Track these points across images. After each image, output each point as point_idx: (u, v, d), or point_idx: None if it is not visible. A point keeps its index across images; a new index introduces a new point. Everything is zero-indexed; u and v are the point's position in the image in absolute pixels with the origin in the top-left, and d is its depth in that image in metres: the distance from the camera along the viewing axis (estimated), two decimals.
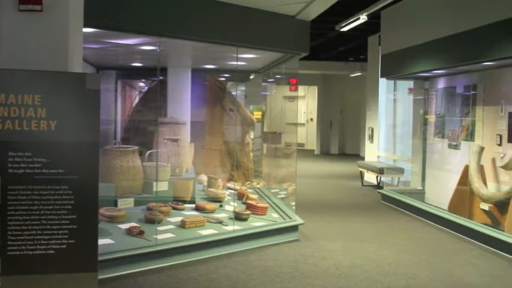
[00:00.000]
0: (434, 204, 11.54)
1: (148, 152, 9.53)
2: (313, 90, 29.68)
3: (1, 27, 5.15)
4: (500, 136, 9.96)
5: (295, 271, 7.26)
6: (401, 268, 7.54)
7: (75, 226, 5.02)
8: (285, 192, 12.40)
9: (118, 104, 13.42)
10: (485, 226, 9.29)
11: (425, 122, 13.01)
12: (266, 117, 15.85)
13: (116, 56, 10.68)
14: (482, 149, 10.36)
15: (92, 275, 5.10)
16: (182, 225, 8.30)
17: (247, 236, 8.39)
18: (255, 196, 10.80)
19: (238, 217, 8.95)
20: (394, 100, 15.94)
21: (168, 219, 8.59)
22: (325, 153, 28.03)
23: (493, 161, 10.19)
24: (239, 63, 10.61)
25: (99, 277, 5.54)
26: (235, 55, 9.37)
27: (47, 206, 4.96)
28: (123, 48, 9.43)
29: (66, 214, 5.00)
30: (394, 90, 15.70)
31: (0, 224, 4.88)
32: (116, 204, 8.62)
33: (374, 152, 18.01)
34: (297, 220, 9.29)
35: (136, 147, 9.35)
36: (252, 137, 14.19)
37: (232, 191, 10.60)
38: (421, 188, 13.16)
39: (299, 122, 28.80)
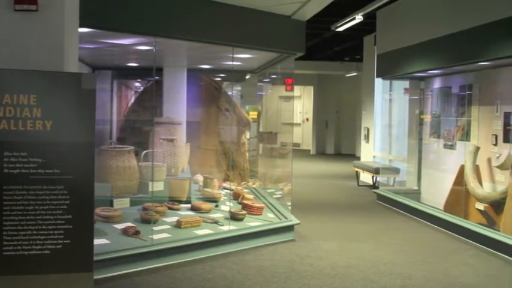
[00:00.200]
0: (430, 204, 11.56)
1: (144, 152, 9.52)
2: (309, 90, 29.70)
3: None
4: (496, 136, 9.97)
5: (291, 271, 7.27)
6: (397, 268, 7.54)
7: (70, 226, 5.02)
8: (280, 192, 12.40)
9: (114, 104, 13.41)
10: (480, 226, 9.30)
11: (421, 122, 13.03)
12: (262, 117, 15.85)
13: (111, 56, 10.67)
14: (477, 149, 10.37)
15: (87, 275, 5.10)
16: (178, 225, 8.30)
17: (243, 236, 8.38)
18: (250, 196, 10.80)
19: (234, 217, 8.94)
20: (390, 100, 15.95)
21: (164, 219, 8.59)
22: (320, 153, 28.05)
23: (489, 161, 10.21)
24: (235, 63, 10.63)
25: (95, 277, 5.54)
26: (231, 55, 9.37)
27: (43, 206, 4.96)
28: (119, 48, 9.42)
29: (62, 214, 5.00)
30: (390, 90, 15.72)
31: None
32: (111, 204, 8.61)
33: (370, 152, 18.02)
34: (293, 220, 9.29)
35: (132, 147, 9.34)
36: (247, 137, 14.18)
37: (228, 191, 10.60)
38: (416, 188, 13.18)
39: (295, 122, 28.84)
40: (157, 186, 9.15)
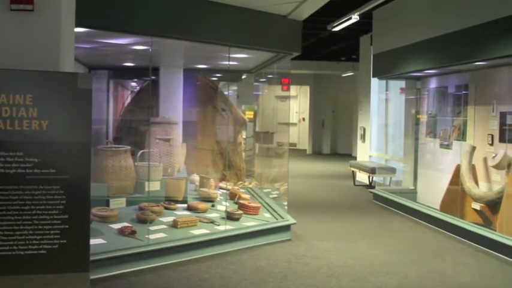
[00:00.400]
0: (426, 204, 11.57)
1: (141, 151, 9.51)
2: (305, 90, 29.71)
3: None
4: (492, 136, 9.99)
5: (288, 271, 7.27)
6: (393, 268, 7.55)
7: (67, 226, 5.01)
8: (277, 192, 12.40)
9: (110, 104, 13.41)
10: (476, 226, 9.32)
11: (417, 122, 13.03)
12: (258, 117, 15.84)
13: (107, 55, 10.66)
14: (473, 148, 10.39)
15: (84, 275, 5.09)
16: (174, 225, 8.29)
17: (239, 235, 8.39)
18: (247, 196, 10.80)
19: (230, 217, 8.95)
20: (386, 100, 15.95)
21: (160, 219, 8.58)
22: (317, 153, 28.06)
23: (485, 160, 10.22)
24: (231, 63, 10.61)
25: (91, 277, 5.53)
26: (227, 55, 9.37)
27: (39, 206, 4.95)
28: (115, 48, 9.41)
29: (58, 214, 4.99)
30: (386, 90, 15.71)
31: None
32: (108, 204, 8.61)
33: (366, 151, 18.03)
34: (289, 220, 9.29)
35: (129, 147, 9.33)
36: (244, 136, 14.17)
37: (225, 191, 10.59)
38: (413, 187, 13.19)
39: (291, 121, 28.85)
40: (154, 186, 9.15)
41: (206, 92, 12.68)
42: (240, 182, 12.58)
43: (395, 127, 15.12)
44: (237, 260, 7.68)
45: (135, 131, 11.60)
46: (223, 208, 9.40)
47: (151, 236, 7.66)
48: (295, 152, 26.67)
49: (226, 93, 13.48)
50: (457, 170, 10.63)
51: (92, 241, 5.80)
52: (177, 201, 9.43)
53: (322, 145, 28.39)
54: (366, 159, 17.47)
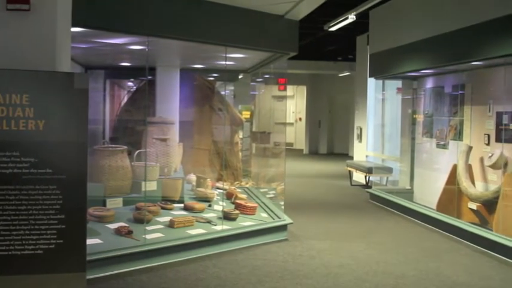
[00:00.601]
0: (422, 204, 11.57)
1: (137, 151, 9.51)
2: (302, 90, 29.73)
3: None
4: (488, 135, 10.00)
5: (284, 270, 7.27)
6: (389, 267, 7.56)
7: (63, 226, 5.01)
8: (273, 192, 12.41)
9: (106, 104, 13.40)
10: (473, 225, 9.32)
11: (413, 122, 13.05)
12: (255, 117, 15.85)
13: (104, 55, 10.65)
14: (470, 148, 10.40)
15: (80, 275, 5.09)
16: (171, 225, 8.29)
17: (236, 235, 8.39)
18: (243, 196, 10.81)
19: (227, 217, 8.95)
20: (383, 100, 15.98)
21: (157, 219, 8.58)
22: (313, 152, 28.07)
23: (481, 160, 10.23)
24: (228, 62, 10.62)
25: (88, 277, 5.53)
26: (224, 55, 9.37)
27: (35, 206, 4.94)
28: (112, 47, 9.41)
29: (55, 214, 4.99)
30: (383, 90, 15.75)
31: None
32: (104, 204, 8.60)
33: (362, 151, 18.04)
34: (286, 220, 9.29)
35: (125, 147, 9.33)
36: (240, 136, 14.19)
37: (221, 191, 10.59)
38: (409, 187, 13.20)
39: (288, 121, 28.84)
40: (150, 186, 9.14)
41: (203, 91, 12.68)
42: (237, 182, 12.58)
43: (392, 127, 15.14)
44: (233, 260, 7.68)
45: (131, 131, 11.60)
46: (220, 208, 9.40)
47: (148, 236, 7.65)
48: (292, 152, 26.70)
49: (223, 93, 13.49)
50: (454, 169, 10.64)
51: (89, 241, 5.80)
52: (173, 201, 9.43)
53: (319, 145, 28.40)
54: (363, 159, 17.49)
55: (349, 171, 16.53)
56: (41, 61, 5.17)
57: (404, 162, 13.50)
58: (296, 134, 30.63)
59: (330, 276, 7.07)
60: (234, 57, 10.33)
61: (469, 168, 10.35)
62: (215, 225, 8.59)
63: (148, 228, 7.97)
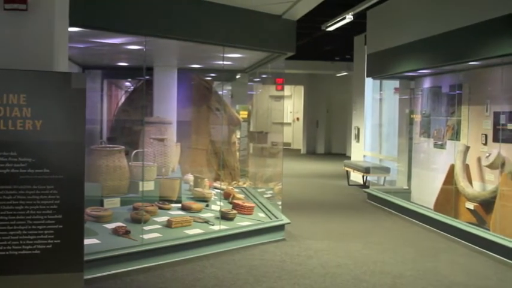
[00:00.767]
0: (420, 204, 11.58)
1: (135, 151, 9.50)
2: (300, 90, 29.73)
3: None
4: (486, 135, 10.01)
5: (282, 270, 7.27)
6: (387, 267, 7.56)
7: (61, 226, 5.00)
8: (271, 192, 12.41)
9: (104, 104, 13.40)
10: (470, 225, 9.33)
11: (411, 122, 13.05)
12: (252, 117, 15.85)
13: (101, 55, 10.65)
14: (467, 148, 10.41)
15: (77, 275, 5.09)
16: (168, 224, 8.28)
17: (233, 235, 8.38)
18: (241, 196, 10.80)
19: (224, 217, 8.94)
20: (380, 100, 15.98)
21: (155, 219, 8.57)
22: (311, 152, 28.08)
23: (479, 160, 10.24)
24: (225, 62, 10.61)
25: (85, 277, 5.52)
26: (222, 55, 9.37)
27: (33, 206, 4.94)
28: (109, 47, 9.41)
29: (52, 214, 4.98)
30: (380, 90, 15.75)
31: None
32: (102, 204, 8.60)
33: (360, 151, 18.05)
34: (283, 219, 9.29)
35: (123, 147, 9.32)
36: (238, 136, 14.19)
37: (219, 191, 10.59)
38: (407, 187, 13.21)
39: (285, 121, 28.86)
40: (148, 186, 9.14)
41: (200, 91, 12.69)
42: (234, 182, 12.58)
43: (390, 127, 15.14)
44: (231, 260, 7.68)
45: (129, 131, 11.60)
46: (217, 208, 9.39)
47: (146, 236, 7.65)
48: (289, 152, 26.68)
49: (220, 93, 13.49)
50: (451, 169, 10.65)
51: (86, 241, 5.79)
52: (171, 201, 9.42)
53: (316, 145, 28.41)
54: (360, 159, 17.49)
55: (347, 171, 16.54)
56: (39, 61, 5.16)
57: (402, 162, 13.51)
58: (294, 134, 30.62)
59: (328, 276, 7.07)
60: (232, 57, 10.33)
61: (466, 168, 10.35)
62: (213, 225, 8.59)
63: (146, 228, 7.97)
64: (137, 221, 8.15)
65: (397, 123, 13.96)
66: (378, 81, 15.34)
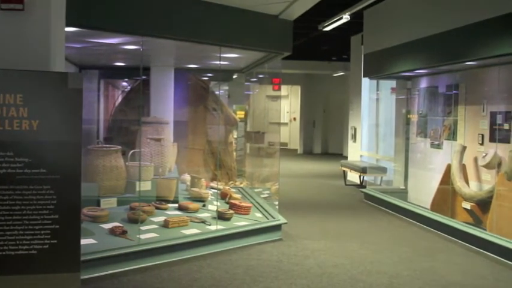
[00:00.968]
0: (416, 203, 11.59)
1: (131, 151, 9.50)
2: (296, 90, 29.74)
3: None
4: (482, 135, 10.02)
5: (279, 270, 7.27)
6: (383, 267, 7.56)
7: (57, 226, 5.00)
8: (268, 192, 12.41)
9: (101, 104, 13.39)
10: (467, 225, 9.34)
11: (407, 122, 13.06)
12: (249, 117, 15.86)
13: (98, 55, 10.64)
14: (464, 148, 10.42)
15: (74, 275, 5.08)
16: (165, 224, 8.28)
17: (230, 235, 8.38)
18: (238, 196, 10.80)
19: (221, 217, 8.94)
20: (377, 100, 15.99)
21: (151, 218, 8.57)
22: (308, 152, 28.09)
23: (475, 160, 10.26)
24: (222, 62, 10.61)
25: (82, 277, 5.52)
26: (218, 54, 9.37)
27: (29, 206, 4.93)
28: (106, 47, 9.40)
29: (49, 214, 4.98)
30: (377, 90, 15.76)
31: None
32: (98, 204, 8.59)
33: (357, 151, 18.06)
34: (280, 219, 9.29)
35: (119, 147, 9.32)
36: (235, 136, 14.19)
37: (216, 191, 10.59)
38: (403, 187, 13.22)
39: (282, 121, 28.86)
40: (145, 186, 9.13)
41: (197, 91, 12.68)
42: (231, 182, 12.58)
43: (386, 127, 15.15)
44: (228, 260, 7.68)
45: (126, 131, 11.59)
46: (214, 208, 9.39)
47: (143, 236, 7.64)
48: (286, 152, 26.69)
49: (217, 92, 13.48)
50: (448, 169, 10.66)
51: (83, 241, 5.80)
52: (168, 201, 9.42)
53: (313, 145, 28.42)
54: (357, 159, 17.50)
55: (344, 171, 16.55)
56: (35, 61, 5.16)
57: (399, 162, 13.52)
58: (290, 134, 30.64)
59: (324, 276, 7.08)
60: (228, 57, 10.33)
61: (463, 168, 10.37)
62: (209, 225, 8.58)
63: (143, 228, 7.96)
64: (134, 221, 8.14)
65: (394, 123, 13.97)
66: (374, 81, 15.34)
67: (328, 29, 13.30)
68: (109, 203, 8.73)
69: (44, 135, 4.98)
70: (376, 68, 13.16)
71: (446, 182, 10.65)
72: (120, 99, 13.68)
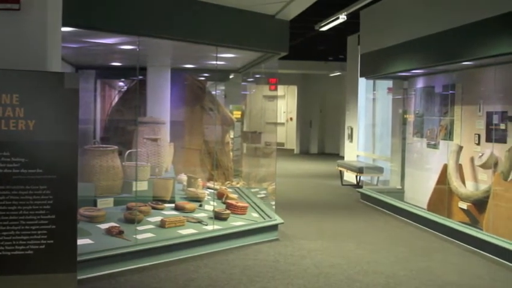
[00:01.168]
0: (413, 203, 11.59)
1: (128, 151, 9.49)
2: (293, 90, 29.73)
3: None
4: (479, 135, 10.04)
5: (275, 270, 7.27)
6: (380, 267, 7.57)
7: (54, 226, 5.00)
8: (264, 192, 12.41)
9: (97, 104, 13.38)
10: (463, 225, 9.35)
11: (404, 122, 13.07)
12: (246, 117, 15.85)
13: (95, 55, 10.63)
14: (460, 148, 10.43)
15: (71, 275, 5.08)
16: (162, 225, 8.28)
17: (227, 235, 8.38)
18: (234, 196, 10.80)
19: (218, 217, 8.94)
20: (374, 100, 15.99)
21: (148, 219, 8.56)
22: (304, 152, 28.10)
23: (472, 160, 10.27)
24: (219, 62, 10.60)
25: (79, 277, 5.51)
26: (215, 54, 9.36)
27: (26, 206, 4.93)
28: (102, 47, 9.39)
29: (45, 214, 4.97)
30: (374, 90, 15.77)
31: None
32: (95, 204, 8.58)
33: (353, 151, 18.06)
34: (277, 219, 9.30)
35: (116, 147, 9.31)
36: (231, 136, 14.18)
37: (212, 191, 10.58)
38: (400, 187, 13.23)
39: (279, 121, 28.85)
40: (141, 186, 9.13)
41: (194, 91, 12.68)
42: (228, 182, 12.58)
43: (383, 127, 15.16)
44: (225, 260, 7.68)
45: (122, 131, 11.58)
46: (210, 208, 9.39)
47: (139, 236, 7.64)
48: (283, 152, 26.69)
49: (213, 93, 13.48)
50: (444, 169, 10.67)
51: (79, 241, 5.79)
52: (164, 201, 9.41)
53: (310, 145, 28.43)
54: (354, 159, 17.51)
55: (340, 171, 16.55)
56: (32, 61, 5.15)
57: (395, 162, 13.53)
58: (287, 134, 30.62)
59: (321, 276, 7.08)
60: (225, 57, 10.33)
61: (459, 168, 10.38)
62: (206, 225, 8.58)
63: (139, 228, 7.96)
64: (131, 221, 8.14)
65: (391, 123, 13.98)
66: (371, 81, 15.36)
67: (324, 29, 13.31)
68: (105, 203, 8.72)
69: (41, 135, 4.98)
70: (373, 68, 13.17)
71: (442, 182, 10.66)
72: (116, 99, 13.67)
